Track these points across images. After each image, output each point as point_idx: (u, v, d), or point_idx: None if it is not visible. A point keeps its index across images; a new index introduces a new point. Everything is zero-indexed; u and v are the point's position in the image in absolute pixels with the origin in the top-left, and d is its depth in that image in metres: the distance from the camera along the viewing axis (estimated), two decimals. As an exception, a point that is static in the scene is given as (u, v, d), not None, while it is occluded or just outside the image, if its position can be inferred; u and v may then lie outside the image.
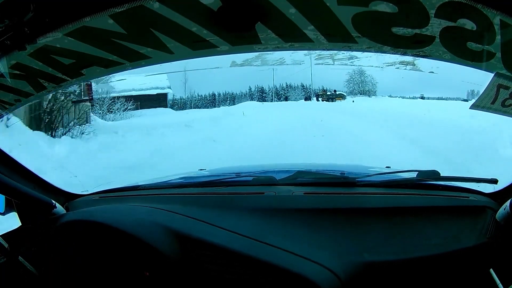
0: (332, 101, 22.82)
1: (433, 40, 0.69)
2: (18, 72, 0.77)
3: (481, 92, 0.75)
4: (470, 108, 0.79)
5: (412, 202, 0.97)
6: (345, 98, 22.84)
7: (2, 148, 0.91)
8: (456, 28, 0.65)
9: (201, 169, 1.65)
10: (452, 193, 1.01)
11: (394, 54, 0.75)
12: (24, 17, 0.59)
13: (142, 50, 0.75)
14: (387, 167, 1.44)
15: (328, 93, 23.75)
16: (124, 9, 0.62)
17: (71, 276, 0.91)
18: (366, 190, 1.04)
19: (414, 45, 0.71)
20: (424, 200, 0.97)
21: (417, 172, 1.07)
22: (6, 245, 0.90)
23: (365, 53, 0.76)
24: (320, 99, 23.88)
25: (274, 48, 0.75)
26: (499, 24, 0.63)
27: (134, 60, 0.77)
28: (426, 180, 1.03)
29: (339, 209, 0.95)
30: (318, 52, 0.78)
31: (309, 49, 0.76)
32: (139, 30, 0.70)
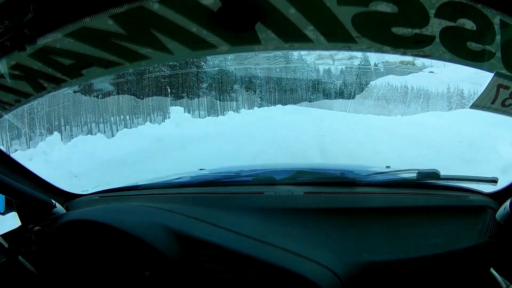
0: None
1: (433, 40, 0.69)
2: (18, 73, 0.77)
3: (481, 92, 0.75)
4: (470, 107, 0.79)
5: (412, 202, 0.97)
6: None
7: (2, 148, 0.91)
8: (456, 28, 0.65)
9: (201, 169, 1.64)
10: (452, 193, 1.01)
11: (394, 54, 0.75)
12: (24, 18, 0.59)
13: (141, 51, 0.75)
14: (387, 166, 1.44)
15: None
16: (124, 9, 0.62)
17: (71, 276, 0.91)
18: (366, 190, 1.04)
19: (414, 45, 0.71)
20: (424, 200, 0.97)
21: (417, 172, 1.07)
22: (6, 245, 0.90)
23: (365, 53, 0.76)
24: None
25: (274, 48, 0.75)
26: (499, 24, 0.63)
27: (134, 60, 0.77)
28: (426, 180, 1.03)
29: (339, 208, 0.95)
30: (318, 52, 0.78)
31: (309, 49, 0.76)
32: (139, 30, 0.70)
